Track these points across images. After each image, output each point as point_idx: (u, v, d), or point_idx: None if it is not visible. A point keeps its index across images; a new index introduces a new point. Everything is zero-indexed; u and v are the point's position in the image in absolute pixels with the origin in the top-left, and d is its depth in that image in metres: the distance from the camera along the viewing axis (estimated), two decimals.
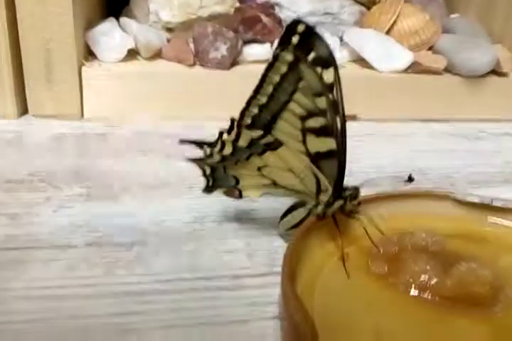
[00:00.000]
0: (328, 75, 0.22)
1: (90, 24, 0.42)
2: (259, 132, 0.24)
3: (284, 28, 0.22)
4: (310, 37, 0.22)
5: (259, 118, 0.24)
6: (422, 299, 0.22)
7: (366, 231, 0.24)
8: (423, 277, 0.22)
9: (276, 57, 0.23)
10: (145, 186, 0.31)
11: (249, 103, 0.24)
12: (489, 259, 0.23)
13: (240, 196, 0.26)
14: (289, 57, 0.22)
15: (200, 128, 0.39)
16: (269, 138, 0.24)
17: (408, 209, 0.26)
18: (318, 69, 0.22)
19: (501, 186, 0.34)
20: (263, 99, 0.23)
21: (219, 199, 0.28)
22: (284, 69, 0.23)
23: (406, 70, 0.43)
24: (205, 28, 0.42)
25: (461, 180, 0.35)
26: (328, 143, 0.23)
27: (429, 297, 0.22)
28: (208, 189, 0.26)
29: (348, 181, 0.25)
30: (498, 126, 0.44)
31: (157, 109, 0.41)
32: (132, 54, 0.42)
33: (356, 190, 0.24)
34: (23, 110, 0.40)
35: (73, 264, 0.24)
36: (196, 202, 0.30)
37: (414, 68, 0.43)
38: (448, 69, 0.43)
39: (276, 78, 0.23)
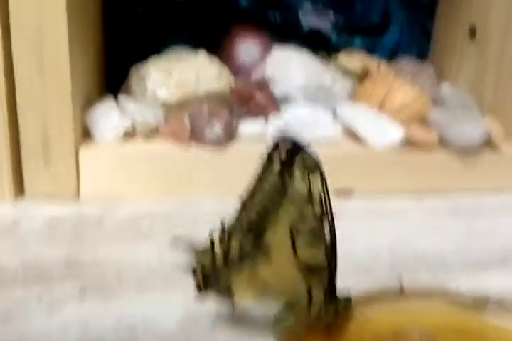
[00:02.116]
0: (315, 185, 0.23)
1: (89, 102, 0.43)
2: (250, 239, 0.24)
3: (271, 146, 0.24)
4: (296, 151, 0.23)
5: (249, 225, 0.24)
6: None
7: (360, 335, 0.24)
8: None
9: (265, 169, 0.23)
10: (139, 279, 0.31)
11: (240, 210, 0.24)
12: None
13: (233, 298, 0.26)
14: (277, 168, 0.23)
15: (197, 207, 0.40)
16: (259, 246, 0.24)
17: (402, 308, 0.26)
18: (306, 179, 0.23)
19: (498, 269, 0.34)
20: (253, 208, 0.24)
21: (213, 298, 0.28)
22: (272, 179, 0.23)
23: (399, 145, 0.43)
24: (201, 107, 0.43)
25: (457, 264, 0.35)
26: (318, 251, 0.23)
27: None
28: (200, 289, 0.26)
29: (344, 269, 0.25)
30: (493, 199, 0.44)
31: (154, 189, 0.41)
32: (129, 133, 0.42)
33: (348, 299, 0.24)
34: (20, 190, 0.41)
35: None
36: (190, 299, 0.29)
37: (407, 143, 0.43)
38: (440, 143, 0.44)
39: (265, 187, 0.24)
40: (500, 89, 0.47)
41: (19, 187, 0.40)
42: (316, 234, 0.23)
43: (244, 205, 0.24)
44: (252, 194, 0.24)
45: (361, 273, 0.25)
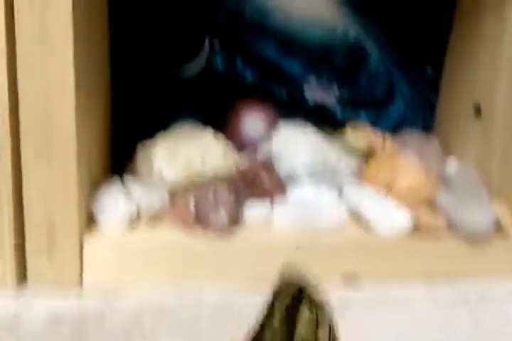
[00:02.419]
0: (322, 333, 0.22)
1: (95, 184, 0.43)
2: None
3: (276, 290, 0.23)
4: (302, 295, 0.22)
5: None
6: None
7: None
8: None
9: (267, 316, 0.23)
10: None
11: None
12: None
13: None
14: (283, 314, 0.23)
15: (201, 298, 0.39)
16: None
17: None
18: (313, 328, 0.22)
19: None
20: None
21: None
22: (277, 325, 0.23)
23: (406, 231, 0.43)
24: (206, 191, 0.43)
25: None
26: None
27: None
28: None
29: None
30: (502, 286, 0.43)
31: (157, 278, 0.41)
32: (134, 217, 0.42)
33: None
34: (23, 277, 0.40)
35: None
36: None
37: (414, 229, 0.43)
38: (448, 228, 0.44)
39: (269, 334, 0.23)
40: (507, 169, 0.47)
41: (22, 274, 0.40)
42: None
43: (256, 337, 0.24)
44: (262, 329, 0.24)
45: None
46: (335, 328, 0.23)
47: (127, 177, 0.46)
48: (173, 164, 0.46)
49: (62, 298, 0.38)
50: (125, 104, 0.52)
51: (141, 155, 0.47)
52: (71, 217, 0.39)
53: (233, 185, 0.45)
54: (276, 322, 0.23)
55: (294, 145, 0.49)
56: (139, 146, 0.48)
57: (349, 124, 0.54)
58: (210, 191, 0.43)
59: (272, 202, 0.45)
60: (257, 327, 0.23)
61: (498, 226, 0.43)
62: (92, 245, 0.40)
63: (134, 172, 0.47)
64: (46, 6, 0.35)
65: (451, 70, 0.55)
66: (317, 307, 0.22)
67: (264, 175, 0.45)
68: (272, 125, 0.54)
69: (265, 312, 0.23)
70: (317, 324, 0.22)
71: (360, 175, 0.48)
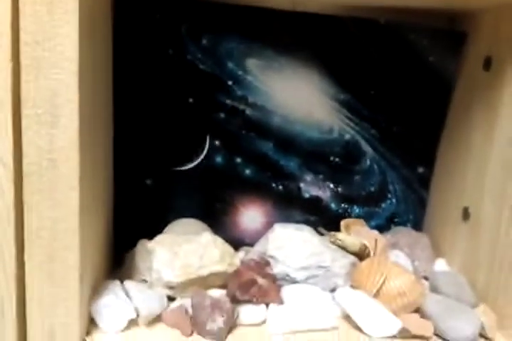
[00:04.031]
0: None
1: (96, 286, 0.45)
2: None
3: None
4: None
5: None
6: None
7: None
8: None
9: None
10: None
11: None
12: None
13: None
14: None
15: None
16: None
17: None
18: None
19: None
20: None
21: None
22: None
23: (395, 336, 0.45)
24: (203, 299, 0.45)
25: None
26: None
27: None
28: None
29: None
30: None
31: None
32: (133, 320, 0.44)
33: None
34: None
35: None
36: None
37: (403, 334, 0.45)
38: (435, 333, 0.45)
39: None
40: (492, 274, 0.49)
41: None
42: None
43: None
44: None
45: None
46: None
47: (127, 278, 0.47)
48: (172, 265, 0.47)
49: None
50: (126, 199, 0.55)
51: (140, 254, 0.49)
52: (72, 323, 0.41)
53: (229, 289, 0.47)
54: None
55: (289, 246, 0.50)
56: (139, 244, 0.50)
57: (343, 221, 0.56)
58: (207, 300, 0.45)
59: (267, 305, 0.47)
60: None
61: (483, 332, 0.45)
62: None
63: (133, 268, 0.49)
64: (54, 124, 0.37)
65: (442, 172, 0.58)
66: None
67: (259, 279, 0.47)
68: (269, 219, 0.57)
69: None
70: None
71: (352, 278, 0.50)
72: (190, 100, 0.54)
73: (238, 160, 0.56)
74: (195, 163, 0.55)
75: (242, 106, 0.55)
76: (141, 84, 0.53)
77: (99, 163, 0.46)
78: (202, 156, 0.55)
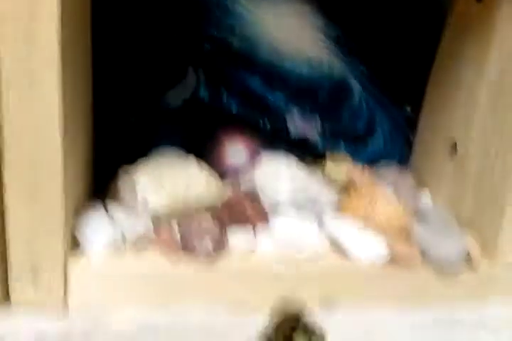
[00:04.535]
0: None
1: (77, 209, 0.44)
2: None
3: (277, 321, 0.24)
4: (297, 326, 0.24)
5: None
6: None
7: None
8: None
9: None
10: None
11: None
12: None
13: None
14: None
15: (186, 323, 0.40)
16: None
17: None
18: None
19: None
20: None
21: None
22: None
23: (382, 260, 0.45)
24: (191, 219, 0.44)
25: None
26: None
27: None
28: None
29: None
30: (471, 313, 0.45)
31: (142, 302, 0.41)
32: (119, 244, 0.43)
33: None
34: (6, 301, 0.40)
35: None
36: None
37: (390, 258, 0.45)
38: (422, 259, 0.46)
39: None
40: (478, 205, 0.49)
41: (5, 296, 0.40)
42: None
43: None
44: None
45: None
46: None
47: (111, 204, 0.47)
48: (158, 192, 0.47)
49: (47, 320, 0.39)
50: (109, 130, 0.54)
51: (123, 181, 0.48)
52: (55, 242, 0.40)
53: (217, 213, 0.46)
54: None
55: (277, 176, 0.50)
56: (121, 171, 0.48)
57: (329, 156, 0.56)
58: (195, 219, 0.44)
59: (254, 230, 0.46)
60: None
61: (468, 258, 0.46)
62: (77, 270, 0.41)
63: (116, 197, 0.48)
64: (32, 44, 0.35)
65: (429, 110, 0.58)
66: (312, 335, 0.24)
67: (247, 204, 0.47)
68: (254, 155, 0.56)
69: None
70: None
71: (340, 206, 0.50)
72: (175, 32, 0.52)
73: (224, 95, 0.55)
74: (180, 97, 0.54)
75: (229, 38, 0.53)
76: (123, 15, 0.51)
77: (79, 93, 0.44)
78: (186, 91, 0.54)
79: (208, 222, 0.44)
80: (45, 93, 0.36)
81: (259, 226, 0.46)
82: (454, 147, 0.53)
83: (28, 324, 0.38)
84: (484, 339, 0.43)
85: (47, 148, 0.37)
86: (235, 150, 0.56)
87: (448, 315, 0.45)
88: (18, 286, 0.40)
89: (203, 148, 0.55)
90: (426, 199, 0.55)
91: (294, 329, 0.24)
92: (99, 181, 0.50)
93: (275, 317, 0.25)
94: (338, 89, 0.56)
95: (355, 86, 0.56)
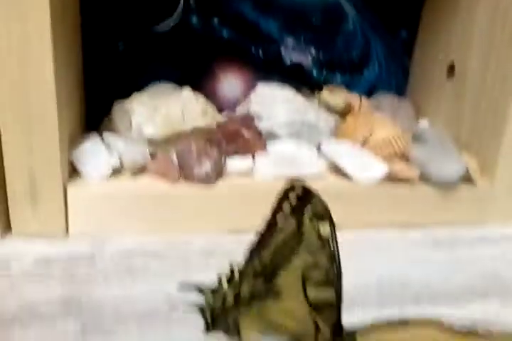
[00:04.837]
0: (325, 228, 0.24)
1: (74, 139, 0.43)
2: (261, 282, 0.25)
3: (283, 190, 0.24)
4: (306, 195, 0.24)
5: (262, 270, 0.25)
6: None
7: None
8: None
9: (278, 219, 0.24)
10: (138, 315, 0.31)
11: (251, 255, 0.25)
12: None
13: (239, 337, 0.27)
14: (292, 221, 0.24)
15: (187, 244, 0.40)
16: (270, 288, 0.25)
17: (399, 337, 0.27)
18: (316, 225, 0.24)
19: (481, 299, 0.35)
20: (265, 255, 0.25)
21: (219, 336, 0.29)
22: (287, 230, 0.24)
23: (381, 180, 0.45)
24: (189, 145, 0.44)
25: (442, 295, 0.36)
26: (327, 293, 0.24)
27: None
28: (208, 329, 0.27)
29: None
30: (470, 231, 0.46)
31: (143, 226, 0.42)
32: (117, 170, 0.43)
33: (353, 334, 0.25)
34: (7, 229, 0.40)
35: None
36: (190, 336, 0.30)
37: (389, 178, 0.45)
38: (421, 178, 0.46)
39: (280, 237, 0.25)
40: (476, 127, 0.49)
41: (6, 226, 0.40)
42: (326, 278, 0.24)
43: (256, 251, 0.25)
44: (265, 240, 0.25)
45: (353, 307, 0.26)
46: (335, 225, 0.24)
47: (106, 134, 0.46)
48: (153, 120, 0.46)
49: (50, 246, 0.39)
50: (99, 63, 0.52)
51: (117, 112, 0.47)
52: (53, 166, 0.39)
53: (214, 139, 0.46)
54: (287, 223, 0.24)
55: (273, 103, 0.50)
56: (115, 104, 0.48)
57: (326, 86, 0.55)
58: (193, 144, 0.44)
59: (253, 156, 0.46)
60: (265, 227, 0.25)
61: (467, 177, 0.46)
62: (76, 194, 0.40)
63: (111, 129, 0.47)
64: None
65: (426, 33, 0.57)
66: (321, 207, 0.24)
67: (244, 130, 0.46)
68: (249, 86, 0.55)
69: (273, 211, 0.25)
70: (321, 218, 0.24)
71: (337, 132, 0.50)
72: None
73: (215, 21, 0.53)
74: (169, 24, 0.53)
75: None
76: None
77: (70, 22, 0.43)
78: (176, 17, 0.53)
79: (205, 147, 0.44)
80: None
81: (257, 151, 0.46)
82: (451, 69, 0.52)
83: (30, 250, 0.38)
84: (485, 254, 0.43)
85: (40, 77, 0.37)
86: (229, 83, 0.55)
87: (448, 232, 0.45)
88: (18, 216, 0.40)
89: (195, 80, 0.54)
90: (424, 125, 0.54)
91: (302, 199, 0.24)
92: (94, 118, 0.50)
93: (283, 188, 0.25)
94: (332, 14, 0.55)
95: (350, 11, 0.55)
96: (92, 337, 0.29)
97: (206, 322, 0.27)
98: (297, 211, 0.24)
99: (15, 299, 0.32)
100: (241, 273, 0.26)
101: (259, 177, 0.44)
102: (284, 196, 0.24)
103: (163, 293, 0.33)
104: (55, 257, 0.37)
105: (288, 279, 0.25)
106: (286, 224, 0.24)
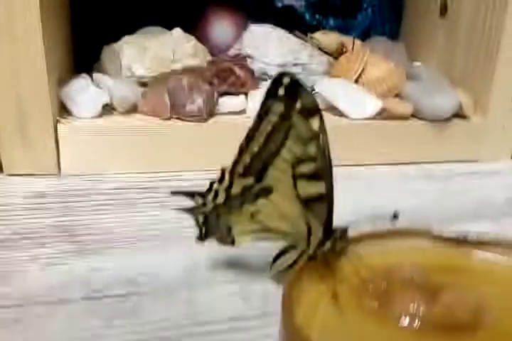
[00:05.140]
0: (314, 123, 0.24)
1: (62, 80, 0.43)
2: (251, 180, 0.25)
3: (271, 81, 0.24)
4: (295, 88, 0.23)
5: (251, 166, 0.25)
6: (411, 328, 0.23)
7: (356, 269, 0.25)
8: (412, 308, 0.23)
9: (267, 109, 0.24)
10: (133, 239, 0.31)
11: (241, 152, 0.25)
12: (470, 288, 0.24)
13: (233, 243, 0.27)
14: (280, 108, 0.23)
15: (178, 180, 0.40)
16: (261, 186, 0.25)
17: (391, 247, 0.28)
18: (305, 118, 0.23)
19: (474, 222, 0.36)
20: (255, 149, 0.25)
21: (209, 249, 0.29)
22: (275, 119, 0.24)
23: (375, 117, 0.45)
24: (180, 81, 0.43)
25: (435, 219, 0.36)
26: (318, 187, 0.24)
27: (419, 326, 0.23)
28: (201, 238, 0.27)
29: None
30: (464, 166, 0.46)
31: (135, 163, 0.41)
32: (108, 109, 0.42)
33: (345, 230, 0.25)
34: None
35: (72, 318, 0.24)
36: (186, 252, 0.30)
37: (383, 114, 0.45)
38: (414, 115, 0.46)
39: (268, 127, 0.24)
40: (468, 66, 0.49)
41: None
42: (316, 171, 0.24)
43: (244, 149, 0.25)
44: (253, 136, 0.25)
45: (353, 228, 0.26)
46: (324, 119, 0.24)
47: (97, 74, 0.45)
48: (142, 60, 0.45)
49: (42, 183, 0.39)
50: (89, 7, 0.51)
51: (107, 54, 0.47)
52: (42, 103, 0.39)
53: (206, 76, 0.45)
54: (275, 115, 0.24)
55: (265, 44, 0.49)
56: (105, 47, 0.47)
57: (319, 30, 0.55)
58: (184, 80, 0.43)
59: (245, 94, 0.46)
60: (254, 122, 0.24)
61: (460, 112, 0.46)
62: (67, 132, 0.40)
63: (102, 70, 0.46)
64: None
65: None
66: (310, 100, 0.24)
67: (236, 68, 0.46)
68: (241, 30, 0.54)
69: (262, 104, 0.24)
70: (311, 112, 0.23)
71: (331, 73, 0.49)
72: None
73: None
74: None
75: None
76: None
77: None
78: None
79: (196, 83, 0.43)
80: None
81: (250, 90, 0.46)
82: (444, 8, 0.52)
83: (23, 187, 0.38)
84: (476, 185, 0.43)
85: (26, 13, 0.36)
86: (221, 27, 0.55)
87: (441, 167, 0.45)
88: (9, 156, 0.40)
89: (188, 27, 0.53)
90: (418, 66, 0.54)
91: (291, 95, 0.23)
92: (86, 63, 0.49)
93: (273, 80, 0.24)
94: None
95: None
96: (87, 256, 0.29)
97: (199, 230, 0.27)
98: (286, 104, 0.24)
99: (7, 226, 0.32)
100: (231, 173, 0.25)
101: (251, 115, 0.44)
102: (273, 89, 0.24)
103: (157, 220, 0.33)
104: (48, 192, 0.37)
105: (278, 175, 0.25)
106: (275, 117, 0.24)
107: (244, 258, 0.30)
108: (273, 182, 0.25)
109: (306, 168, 0.24)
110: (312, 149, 0.24)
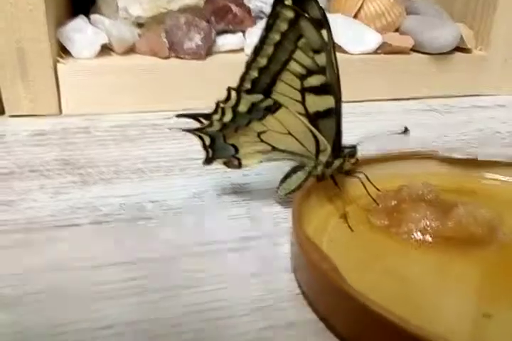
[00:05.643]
0: (322, 32, 0.23)
1: (60, 22, 0.42)
2: (259, 96, 0.24)
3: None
4: (302, 1, 0.23)
5: (259, 82, 0.24)
6: (424, 242, 0.23)
7: (365, 188, 0.25)
8: (424, 222, 0.23)
9: (276, 15, 0.23)
10: (138, 169, 0.31)
11: (248, 66, 0.24)
12: (482, 206, 0.24)
13: (240, 165, 0.27)
14: (289, 14, 0.22)
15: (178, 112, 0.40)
16: (268, 102, 0.24)
17: (400, 168, 0.28)
18: (314, 27, 0.23)
19: (477, 150, 0.36)
20: (263, 61, 0.24)
21: (215, 176, 0.29)
22: (284, 26, 0.23)
23: (376, 51, 0.44)
24: (178, 19, 0.43)
25: (440, 148, 0.36)
26: (327, 101, 0.24)
27: (431, 240, 0.23)
28: (208, 160, 0.27)
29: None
30: (466, 99, 0.46)
31: (135, 102, 0.41)
32: (106, 50, 0.42)
33: (354, 148, 0.25)
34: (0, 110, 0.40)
35: (81, 241, 0.24)
36: (192, 180, 0.30)
37: (384, 49, 0.44)
38: (415, 48, 0.45)
39: (277, 37, 0.23)
40: (470, 2, 0.48)
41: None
42: (325, 83, 0.24)
43: (251, 64, 0.24)
44: (261, 48, 0.24)
45: (364, 145, 0.26)
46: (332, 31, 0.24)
47: (93, 15, 0.44)
48: (140, 1, 0.44)
49: (44, 122, 0.38)
50: None
51: (103, 3, 0.46)
52: (41, 45, 0.38)
53: (204, 16, 0.45)
54: (283, 24, 0.23)
55: None
56: None
57: None
58: (182, 18, 0.43)
59: (243, 32, 0.45)
60: (261, 35, 0.24)
61: (461, 44, 0.45)
62: (66, 71, 0.40)
63: (98, 14, 0.46)
64: None
65: None
66: (318, 10, 0.23)
67: (234, 7, 0.45)
68: None
69: (270, 14, 0.23)
70: (319, 22, 0.23)
71: (329, 9, 0.48)
72: None
73: None
74: None
75: None
76: None
77: None
78: None
79: (194, 20, 0.43)
80: None
81: (247, 28, 0.45)
82: None
83: (26, 126, 0.38)
84: (478, 117, 0.43)
85: None
86: None
87: (442, 100, 0.45)
88: (10, 97, 0.39)
89: None
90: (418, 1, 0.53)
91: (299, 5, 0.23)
92: (83, 8, 0.48)
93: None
94: None
95: None
96: (94, 185, 0.29)
97: (206, 152, 0.27)
98: (295, 10, 0.23)
99: (11, 160, 0.32)
100: (238, 90, 0.25)
101: (249, 52, 0.43)
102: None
103: (160, 152, 0.33)
104: (50, 130, 0.37)
105: (286, 89, 0.24)
106: (284, 24, 0.23)
107: (250, 184, 0.30)
108: (281, 98, 0.24)
109: (314, 81, 0.24)
110: (322, 59, 0.23)
